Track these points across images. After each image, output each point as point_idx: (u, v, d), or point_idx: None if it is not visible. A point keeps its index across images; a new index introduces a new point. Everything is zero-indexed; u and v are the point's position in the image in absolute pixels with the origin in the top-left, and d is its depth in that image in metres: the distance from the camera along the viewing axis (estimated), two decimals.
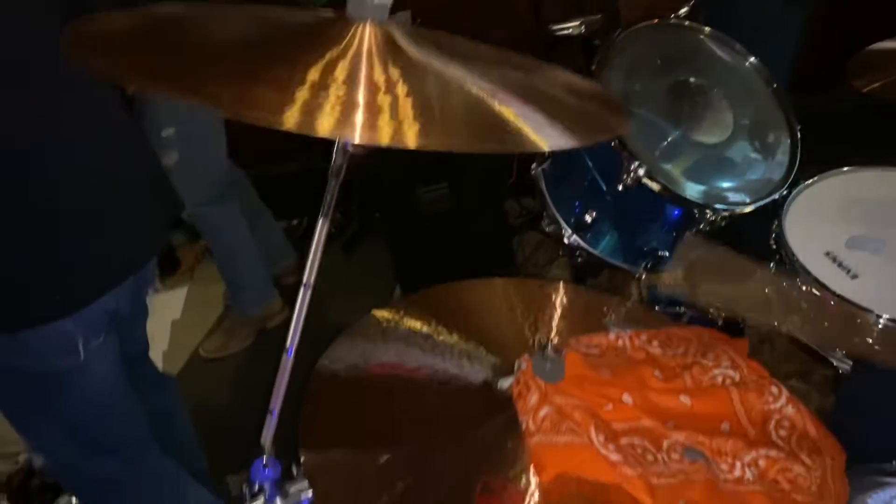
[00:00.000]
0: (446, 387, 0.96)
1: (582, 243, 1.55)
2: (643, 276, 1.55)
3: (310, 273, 0.77)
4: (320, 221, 0.76)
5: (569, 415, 0.89)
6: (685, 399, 0.97)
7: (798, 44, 2.13)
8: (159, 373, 1.64)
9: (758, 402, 0.98)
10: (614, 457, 0.86)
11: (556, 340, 1.03)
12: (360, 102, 0.59)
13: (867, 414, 1.16)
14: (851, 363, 1.24)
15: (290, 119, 0.55)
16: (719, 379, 1.00)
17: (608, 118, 0.77)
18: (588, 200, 1.53)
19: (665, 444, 0.91)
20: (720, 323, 1.62)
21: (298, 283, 0.78)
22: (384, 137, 0.56)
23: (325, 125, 0.56)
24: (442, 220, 2.40)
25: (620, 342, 1.05)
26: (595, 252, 1.55)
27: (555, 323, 1.10)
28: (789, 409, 0.98)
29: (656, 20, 1.60)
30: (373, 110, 0.58)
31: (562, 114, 0.70)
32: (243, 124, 0.55)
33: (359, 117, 0.57)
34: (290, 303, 0.80)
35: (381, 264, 2.57)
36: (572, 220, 1.55)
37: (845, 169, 1.41)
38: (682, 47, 1.58)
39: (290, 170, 2.91)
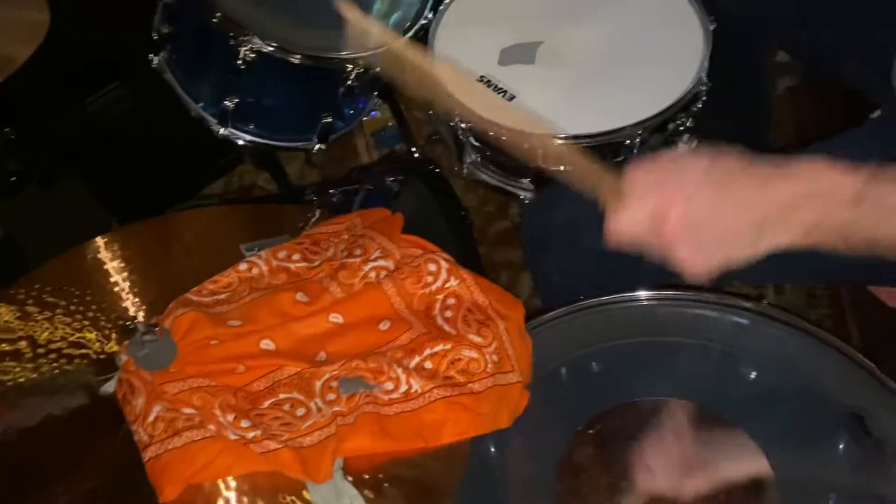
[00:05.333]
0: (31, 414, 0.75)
1: (241, 134, 1.32)
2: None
3: None
4: None
5: (187, 403, 0.72)
6: (336, 317, 0.83)
7: None
8: None
9: (416, 288, 0.85)
10: (252, 434, 0.71)
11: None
12: None
13: (556, 242, 1.09)
14: (535, 190, 1.16)
15: None
16: (372, 275, 0.86)
17: None
18: (224, 83, 1.28)
19: (317, 385, 0.77)
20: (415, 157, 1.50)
21: None
22: None
23: None
24: (123, 130, 2.04)
25: (255, 270, 0.88)
26: (257, 140, 1.33)
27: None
28: (452, 283, 0.86)
29: None
30: None
31: None
32: None
33: None
34: None
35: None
36: (216, 111, 1.30)
37: None
38: None
39: None
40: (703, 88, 1.12)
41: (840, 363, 0.83)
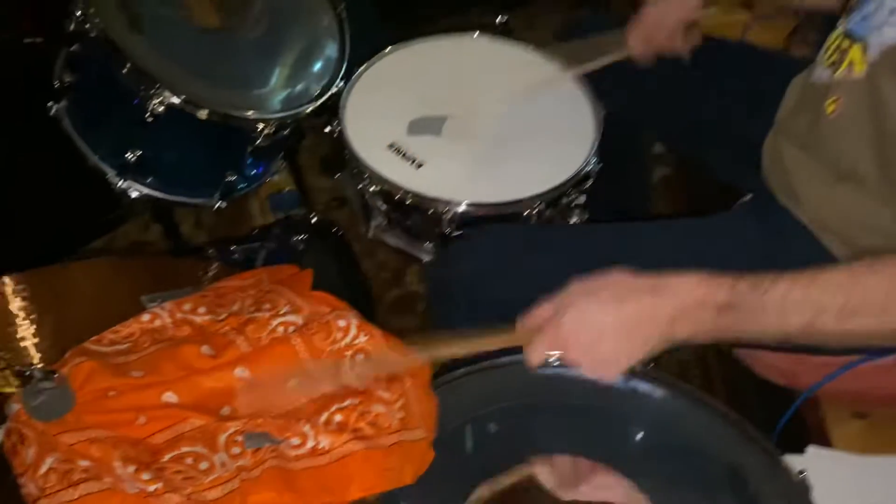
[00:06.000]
0: None
1: (139, 187, 1.30)
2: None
3: None
4: None
5: (84, 454, 0.69)
6: (242, 371, 0.82)
7: None
8: None
9: (326, 344, 0.86)
10: (153, 487, 0.69)
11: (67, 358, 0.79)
12: None
13: (458, 301, 1.13)
14: (434, 252, 1.20)
15: None
16: (280, 330, 0.87)
17: None
18: (127, 135, 1.26)
19: (221, 439, 0.75)
20: (313, 221, 1.51)
21: None
22: None
23: None
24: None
25: (158, 322, 0.86)
26: (156, 194, 1.30)
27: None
28: (362, 339, 0.88)
29: None
30: None
31: None
32: None
33: None
34: None
35: None
36: (116, 163, 1.27)
37: (388, 50, 1.31)
38: None
39: None
40: (594, 168, 1.21)
41: (718, 423, 0.90)
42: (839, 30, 0.88)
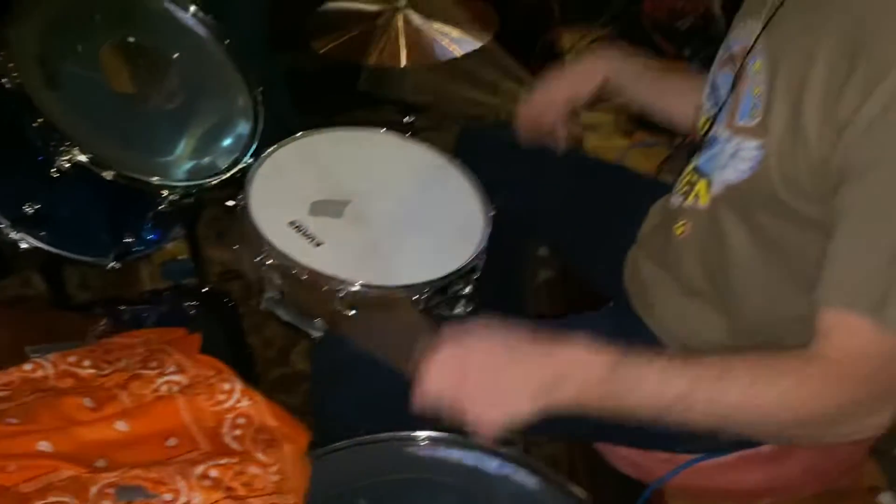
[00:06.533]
0: None
1: (32, 240, 1.29)
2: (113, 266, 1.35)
3: None
4: None
5: None
6: (122, 425, 0.83)
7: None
8: None
9: (208, 405, 0.89)
10: None
11: None
12: None
13: (342, 378, 1.17)
14: (326, 330, 1.24)
15: None
16: (164, 388, 0.89)
17: None
18: (29, 187, 1.26)
19: (93, 491, 0.76)
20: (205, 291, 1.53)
21: None
22: None
23: None
24: None
25: (40, 372, 0.86)
26: (49, 249, 1.30)
27: None
28: (245, 404, 0.91)
29: None
30: None
31: None
32: None
33: None
34: None
35: None
36: (12, 214, 1.27)
37: (299, 135, 1.39)
38: (118, 3, 1.39)
39: None
40: (480, 263, 1.30)
41: None
42: (692, 164, 1.03)
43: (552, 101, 1.29)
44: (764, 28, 0.88)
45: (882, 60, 0.72)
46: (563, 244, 1.48)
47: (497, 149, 1.44)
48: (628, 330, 1.08)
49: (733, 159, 0.90)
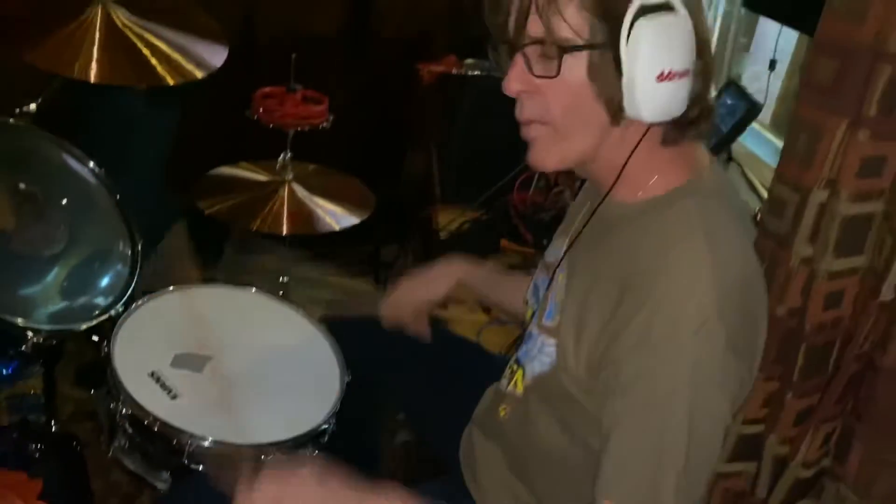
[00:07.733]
0: None
1: None
2: None
3: None
4: None
5: None
6: None
7: (169, 147, 2.19)
8: None
9: None
10: None
11: None
12: None
13: None
14: (171, 483, 1.26)
15: None
16: None
17: None
18: None
19: None
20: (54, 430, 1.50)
21: None
22: None
23: None
24: None
25: None
26: None
27: None
28: None
29: None
30: None
31: None
32: None
33: None
34: None
35: None
36: None
37: (171, 288, 1.47)
38: (15, 149, 1.47)
39: None
40: (331, 427, 1.38)
41: None
42: (515, 354, 1.18)
43: (410, 301, 1.44)
44: (568, 248, 1.06)
45: (639, 297, 0.88)
46: (414, 413, 1.58)
47: (362, 323, 1.55)
48: (455, 499, 1.16)
49: (539, 353, 1.05)
